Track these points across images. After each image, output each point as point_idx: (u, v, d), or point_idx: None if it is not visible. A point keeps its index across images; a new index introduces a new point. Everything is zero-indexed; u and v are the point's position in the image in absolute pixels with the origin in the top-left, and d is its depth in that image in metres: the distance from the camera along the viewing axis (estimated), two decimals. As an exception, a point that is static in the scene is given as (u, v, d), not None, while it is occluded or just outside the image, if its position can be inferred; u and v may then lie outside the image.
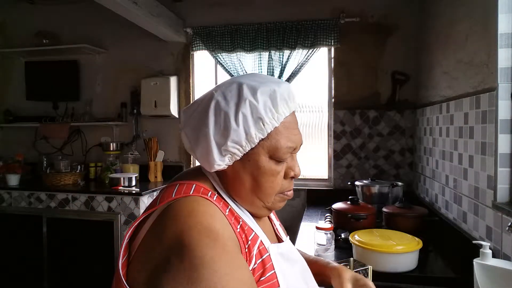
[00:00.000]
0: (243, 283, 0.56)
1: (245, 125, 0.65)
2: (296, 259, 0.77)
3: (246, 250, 0.64)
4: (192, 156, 3.10)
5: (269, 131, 0.67)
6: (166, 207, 0.63)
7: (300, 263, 0.77)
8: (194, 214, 0.60)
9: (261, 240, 0.69)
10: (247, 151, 0.68)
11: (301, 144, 0.74)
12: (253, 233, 0.68)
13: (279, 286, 0.66)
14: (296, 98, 0.72)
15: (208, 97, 0.69)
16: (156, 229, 0.61)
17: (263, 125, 0.66)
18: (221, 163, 0.68)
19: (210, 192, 0.67)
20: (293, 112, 0.73)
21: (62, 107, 3.29)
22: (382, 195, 2.29)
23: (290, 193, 0.76)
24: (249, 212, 0.74)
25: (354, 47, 2.75)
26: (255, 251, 0.65)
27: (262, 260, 0.66)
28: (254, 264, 0.64)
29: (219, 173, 0.73)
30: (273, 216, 0.90)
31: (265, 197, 0.72)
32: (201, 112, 0.69)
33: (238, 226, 0.66)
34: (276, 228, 0.86)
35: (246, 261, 0.62)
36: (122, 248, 0.63)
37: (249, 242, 0.65)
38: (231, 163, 0.69)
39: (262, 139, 0.68)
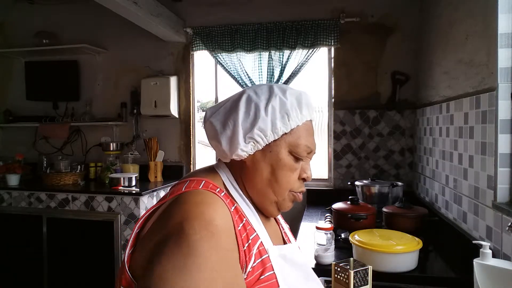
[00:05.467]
0: (228, 282, 0.58)
1: (272, 117, 0.71)
2: (299, 262, 0.77)
3: (245, 248, 0.65)
4: (192, 156, 3.10)
5: (292, 127, 0.73)
6: (175, 199, 0.66)
7: (303, 266, 0.78)
8: (199, 205, 0.63)
9: (261, 241, 0.70)
10: (270, 142, 0.73)
11: (315, 152, 0.80)
12: (255, 233, 0.70)
13: (278, 286, 0.67)
14: (314, 109, 0.79)
15: (239, 94, 0.77)
16: (163, 217, 0.64)
17: (288, 120, 0.72)
18: (244, 148, 0.72)
19: (219, 189, 0.70)
20: (311, 121, 0.79)
21: (62, 107, 3.29)
22: (382, 195, 2.29)
23: (301, 196, 0.80)
24: (259, 208, 0.77)
25: (354, 47, 2.75)
26: (254, 250, 0.67)
27: (261, 260, 0.68)
28: (254, 263, 0.66)
29: (235, 167, 0.76)
30: (281, 219, 0.92)
31: (280, 190, 0.75)
32: (231, 105, 0.75)
33: (241, 225, 0.68)
34: (284, 232, 0.89)
35: (245, 258, 0.64)
36: (131, 239, 0.66)
37: (250, 241, 0.67)
38: (252, 152, 0.73)
39: (285, 133, 0.73)
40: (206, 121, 0.78)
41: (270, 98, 0.73)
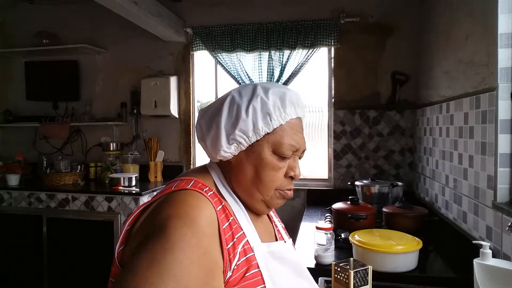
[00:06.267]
0: (199, 282, 0.59)
1: (253, 118, 0.72)
2: (290, 259, 0.78)
3: (229, 247, 0.67)
4: (192, 156, 3.10)
5: (275, 127, 0.73)
6: (164, 198, 0.69)
7: (294, 263, 0.79)
8: (184, 204, 0.65)
9: (247, 240, 0.71)
10: (252, 142, 0.73)
11: (304, 149, 0.79)
12: (241, 232, 0.71)
13: (264, 283, 0.69)
14: (304, 106, 0.78)
15: (226, 95, 0.77)
16: (151, 214, 0.67)
17: (270, 120, 0.72)
18: (227, 150, 0.73)
19: (207, 188, 0.72)
20: (300, 118, 0.78)
21: (62, 107, 3.29)
22: (382, 195, 2.29)
23: (290, 193, 0.80)
24: (248, 206, 0.77)
25: (354, 47, 2.75)
26: (239, 249, 0.68)
27: (246, 258, 0.69)
28: (238, 261, 0.67)
29: (224, 166, 0.78)
30: (275, 218, 0.93)
31: (264, 190, 0.75)
32: (217, 105, 0.76)
33: (226, 224, 0.69)
34: (278, 230, 0.89)
35: (229, 256, 0.66)
36: (121, 235, 0.69)
37: (235, 240, 0.68)
38: (236, 153, 0.74)
39: (268, 133, 0.73)
40: (197, 122, 0.80)
41: (251, 98, 0.73)
